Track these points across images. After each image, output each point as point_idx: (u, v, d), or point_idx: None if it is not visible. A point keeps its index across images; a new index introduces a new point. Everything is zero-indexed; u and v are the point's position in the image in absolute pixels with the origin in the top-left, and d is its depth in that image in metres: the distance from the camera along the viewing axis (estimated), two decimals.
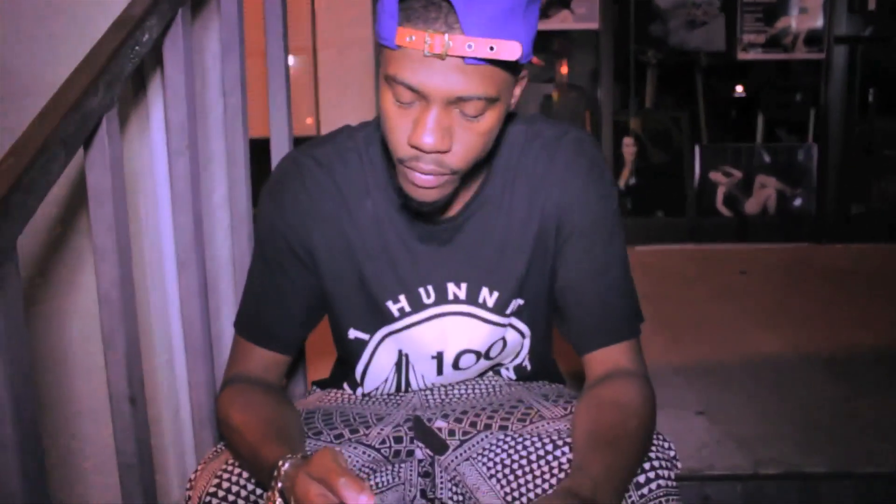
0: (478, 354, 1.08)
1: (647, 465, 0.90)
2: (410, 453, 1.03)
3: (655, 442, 0.94)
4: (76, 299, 1.29)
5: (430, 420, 1.05)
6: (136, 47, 1.01)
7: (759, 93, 3.93)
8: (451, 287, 1.03)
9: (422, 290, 1.03)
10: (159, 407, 1.38)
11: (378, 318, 1.04)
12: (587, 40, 3.85)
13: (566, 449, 0.92)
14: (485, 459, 0.96)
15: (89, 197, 0.96)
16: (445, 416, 1.05)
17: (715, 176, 3.77)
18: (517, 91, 0.91)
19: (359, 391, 1.13)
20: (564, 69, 4.03)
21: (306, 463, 0.78)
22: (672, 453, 0.95)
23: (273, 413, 0.96)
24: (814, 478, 1.62)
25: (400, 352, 1.07)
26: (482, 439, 0.98)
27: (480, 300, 1.04)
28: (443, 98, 0.80)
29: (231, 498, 0.90)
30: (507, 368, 1.15)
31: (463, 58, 0.78)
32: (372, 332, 1.06)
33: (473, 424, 1.02)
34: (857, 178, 3.70)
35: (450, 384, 1.13)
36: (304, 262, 1.02)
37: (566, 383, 1.20)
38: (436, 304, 1.04)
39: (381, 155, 1.01)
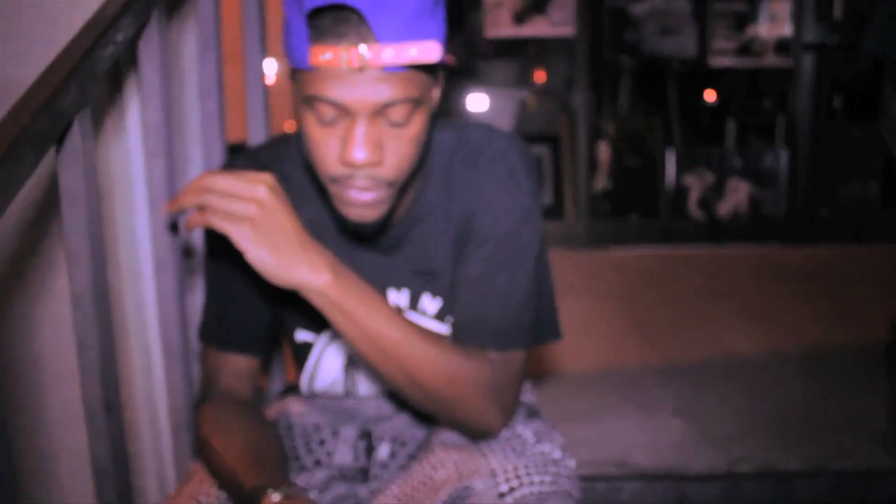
0: None
1: (511, 473, 0.88)
2: (363, 470, 1.06)
3: (532, 448, 0.94)
4: (50, 303, 1.26)
5: (380, 438, 1.07)
6: (111, 47, 1.00)
7: (729, 99, 3.99)
8: (391, 293, 1.02)
9: None
10: (137, 411, 1.36)
11: (323, 319, 1.04)
12: (562, 46, 3.88)
13: (442, 471, 0.91)
14: (382, 497, 0.96)
15: (62, 199, 0.94)
16: (395, 441, 1.07)
17: (687, 179, 3.82)
18: (436, 93, 0.89)
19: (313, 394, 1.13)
20: (540, 75, 4.06)
21: None
22: (557, 455, 0.94)
23: (253, 438, 0.96)
24: (788, 475, 1.65)
25: (347, 354, 1.07)
26: (391, 489, 0.98)
27: (421, 307, 1.03)
28: (368, 109, 0.79)
29: None
30: None
31: (382, 67, 0.77)
32: (318, 332, 1.06)
33: (400, 467, 1.05)
34: (825, 183, 3.77)
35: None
36: None
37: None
38: None
39: (309, 167, 0.99)
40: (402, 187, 0.89)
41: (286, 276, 0.83)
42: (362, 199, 0.84)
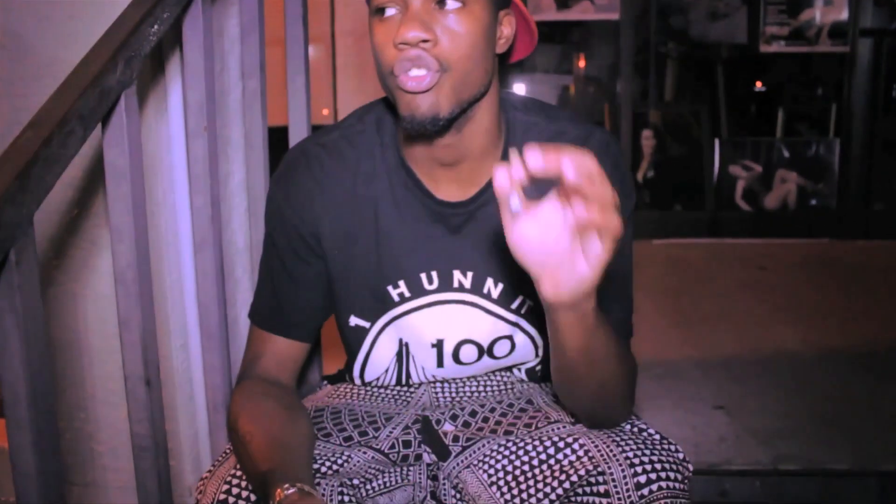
0: (479, 348, 1.06)
1: (648, 466, 0.87)
2: (419, 457, 1.03)
3: (660, 445, 0.92)
4: (92, 281, 1.28)
5: (438, 422, 1.04)
6: (156, 25, 1.00)
7: (780, 86, 3.88)
8: (456, 274, 1.01)
9: (423, 276, 1.01)
10: (173, 391, 1.37)
11: (379, 305, 1.03)
12: (607, 31, 3.81)
13: (568, 451, 0.90)
14: (486, 467, 0.95)
15: (107, 175, 0.95)
16: (455, 418, 1.05)
17: (734, 170, 3.73)
18: (505, 30, 0.93)
19: (365, 382, 1.12)
20: (583, 62, 4.00)
21: None
22: (681, 455, 0.92)
23: (280, 429, 0.94)
24: (836, 474, 1.60)
25: (400, 341, 1.06)
26: (483, 445, 0.97)
27: (485, 290, 1.02)
28: None
29: None
30: (520, 369, 1.12)
31: None
32: (373, 321, 1.05)
33: (480, 430, 1.01)
34: (879, 174, 3.65)
35: (460, 380, 1.11)
36: (314, 248, 1.02)
37: None
38: (438, 290, 1.02)
39: (392, 135, 1.00)
40: (464, 105, 0.89)
41: (580, 296, 0.72)
42: (418, 82, 0.85)
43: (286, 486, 0.81)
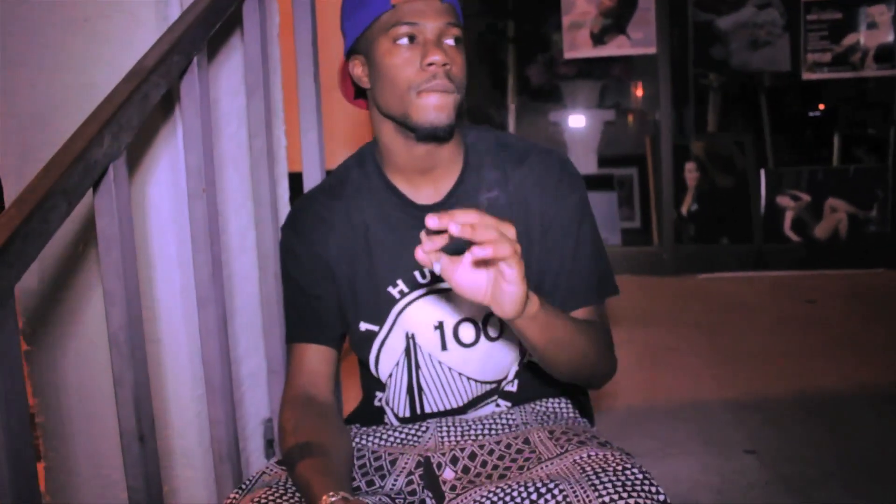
0: (476, 326, 1.16)
1: None
2: (423, 502, 1.07)
3: (641, 486, 0.92)
4: (85, 337, 1.34)
5: (439, 465, 1.09)
6: (147, 98, 1.05)
7: (828, 113, 3.77)
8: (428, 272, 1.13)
9: (416, 273, 1.15)
10: (190, 439, 1.41)
11: (384, 306, 1.16)
12: (647, 65, 3.79)
13: (549, 496, 0.92)
14: None
15: (98, 242, 1.00)
16: (455, 461, 1.09)
17: (782, 200, 3.62)
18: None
19: (385, 417, 1.21)
20: (624, 96, 3.98)
21: None
22: (661, 497, 0.92)
23: (322, 449, 1.05)
24: None
25: (407, 335, 1.16)
26: (475, 492, 1.00)
27: None
28: (437, 29, 1.05)
29: None
30: (512, 383, 1.20)
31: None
32: (380, 324, 1.17)
33: (478, 475, 1.06)
34: None
35: (466, 423, 1.16)
36: (323, 271, 1.18)
37: (587, 393, 1.28)
38: (432, 281, 1.16)
39: (373, 162, 1.18)
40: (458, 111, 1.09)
41: (520, 307, 0.89)
42: (442, 100, 1.04)
43: (331, 493, 0.92)
